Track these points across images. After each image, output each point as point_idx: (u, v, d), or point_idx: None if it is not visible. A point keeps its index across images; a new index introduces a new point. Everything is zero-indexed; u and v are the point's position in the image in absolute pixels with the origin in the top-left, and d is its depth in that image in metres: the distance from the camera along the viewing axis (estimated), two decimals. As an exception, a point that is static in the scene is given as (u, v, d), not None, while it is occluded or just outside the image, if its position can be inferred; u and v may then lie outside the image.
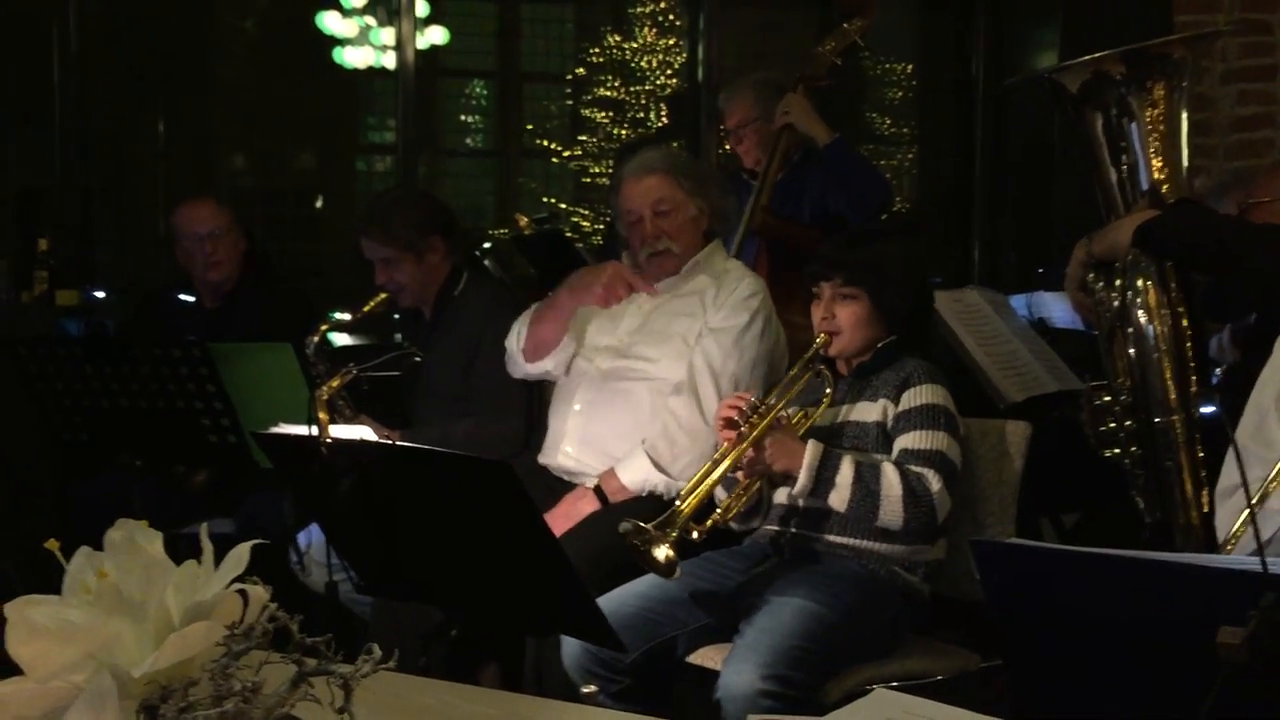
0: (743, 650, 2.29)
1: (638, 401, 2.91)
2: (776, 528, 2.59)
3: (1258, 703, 1.17)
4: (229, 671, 1.04)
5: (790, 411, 2.56)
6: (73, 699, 1.04)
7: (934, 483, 2.41)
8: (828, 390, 2.56)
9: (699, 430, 2.83)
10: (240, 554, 1.15)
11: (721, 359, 2.86)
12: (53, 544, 1.12)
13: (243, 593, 1.13)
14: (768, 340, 2.95)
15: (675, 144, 6.32)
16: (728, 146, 4.21)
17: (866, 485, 2.41)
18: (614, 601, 2.44)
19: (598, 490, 2.83)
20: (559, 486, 2.91)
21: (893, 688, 2.22)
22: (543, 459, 2.99)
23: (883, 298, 2.56)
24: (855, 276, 2.56)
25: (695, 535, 2.40)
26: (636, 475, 2.83)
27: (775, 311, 3.05)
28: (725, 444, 2.47)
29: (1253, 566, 1.18)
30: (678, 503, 2.40)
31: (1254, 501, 1.73)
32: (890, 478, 2.41)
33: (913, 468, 2.42)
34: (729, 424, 2.46)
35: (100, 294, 4.63)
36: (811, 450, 2.44)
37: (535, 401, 3.27)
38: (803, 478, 2.43)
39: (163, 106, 5.70)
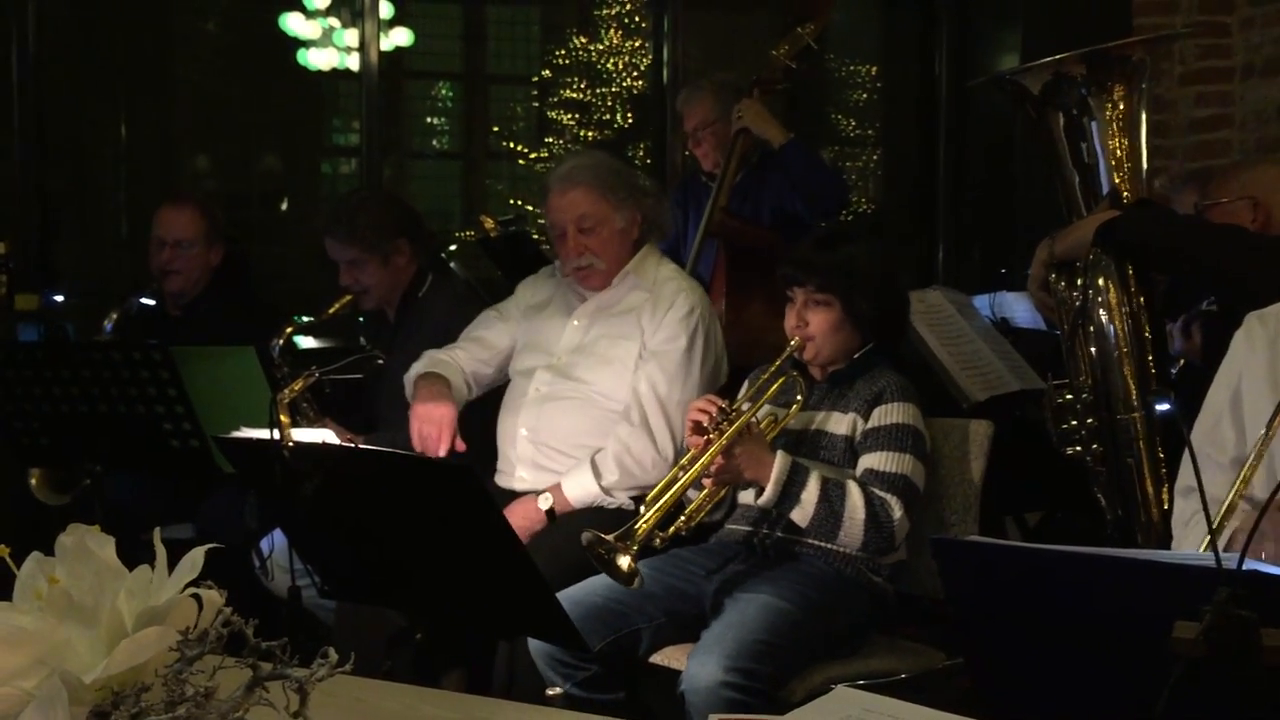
0: (708, 643, 2.29)
1: (580, 417, 2.88)
2: (748, 528, 2.59)
3: (1213, 696, 1.18)
4: (182, 677, 1.03)
5: (760, 415, 2.54)
6: (23, 705, 1.03)
7: (896, 510, 2.41)
8: (799, 396, 2.54)
9: (652, 462, 2.82)
10: (194, 558, 1.13)
11: (667, 386, 2.84)
12: (2, 550, 1.10)
13: (197, 597, 1.12)
14: (710, 356, 2.93)
15: (641, 146, 6.35)
16: (689, 150, 4.22)
17: (831, 505, 2.40)
18: (581, 592, 2.44)
19: (549, 513, 2.81)
20: (512, 498, 2.89)
21: (858, 686, 2.24)
22: (499, 481, 2.96)
23: (855, 304, 2.54)
24: (827, 283, 2.53)
25: (658, 542, 2.39)
26: (583, 494, 2.82)
27: (727, 312, 3.03)
28: (693, 449, 2.44)
29: (1207, 562, 1.19)
30: (642, 510, 2.38)
31: (1219, 516, 1.74)
32: (855, 500, 2.40)
33: (877, 491, 2.42)
34: (697, 429, 2.43)
35: (60, 298, 4.57)
36: (780, 463, 2.42)
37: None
38: (769, 491, 2.42)
39: (124, 108, 5.64)
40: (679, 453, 2.81)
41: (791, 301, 2.59)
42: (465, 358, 3.07)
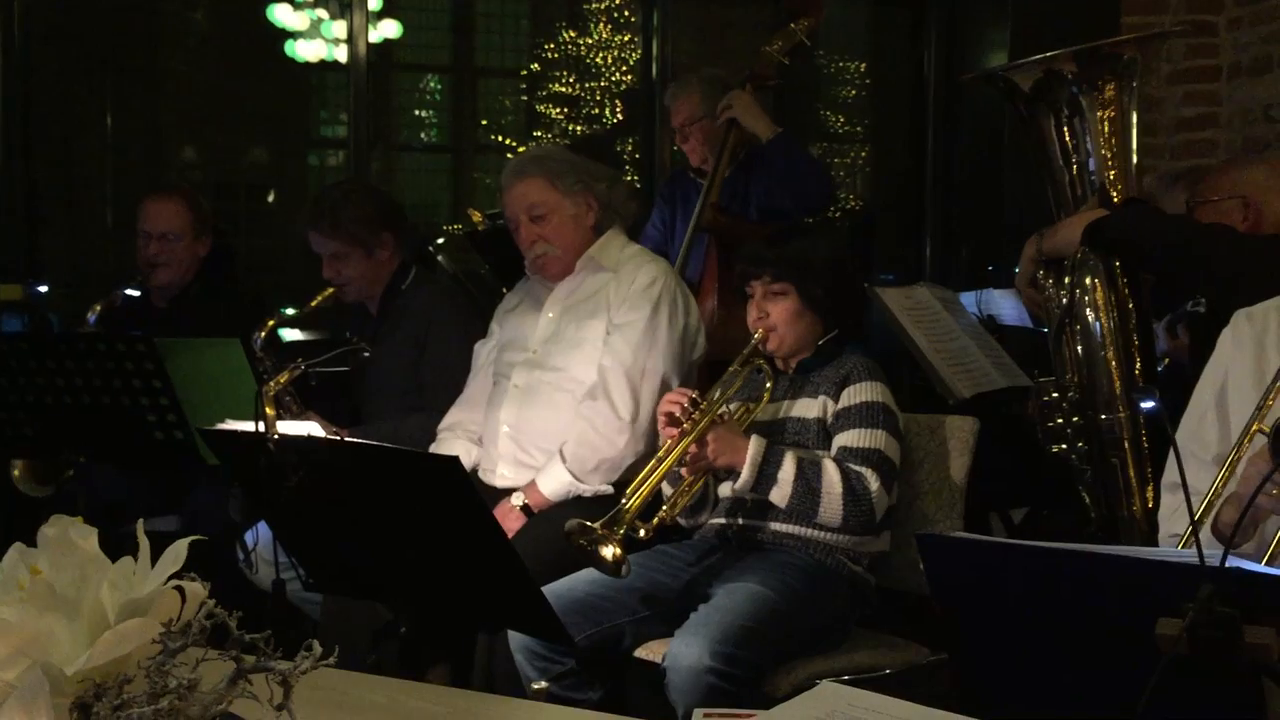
0: (694, 626, 2.30)
1: (560, 413, 2.87)
2: (723, 520, 2.60)
3: (1195, 692, 1.19)
4: (165, 669, 1.02)
5: (732, 407, 2.57)
6: (4, 697, 1.02)
7: (872, 482, 2.43)
8: (768, 385, 2.57)
9: (616, 432, 2.80)
10: (178, 550, 1.13)
11: (632, 355, 2.83)
12: (-17, 540, 1.10)
13: (181, 589, 1.11)
14: (678, 323, 2.91)
15: (630, 141, 6.34)
16: (677, 145, 4.22)
17: (808, 482, 2.42)
18: (564, 587, 2.44)
19: (525, 509, 2.80)
20: (494, 494, 2.88)
21: (842, 681, 2.24)
22: (481, 477, 2.95)
23: (810, 290, 2.58)
24: (781, 272, 2.58)
25: (642, 534, 2.40)
26: (557, 486, 2.81)
27: (719, 308, 3.02)
28: (668, 440, 2.47)
29: (1190, 559, 1.20)
30: (623, 501, 2.40)
31: (1199, 511, 1.75)
32: (831, 475, 2.42)
33: (852, 466, 2.44)
34: (671, 421, 2.46)
35: (44, 288, 4.55)
36: (754, 446, 2.45)
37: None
38: (745, 473, 2.44)
39: (110, 98, 5.62)
40: (645, 419, 2.81)
41: (751, 297, 2.62)
42: (480, 392, 3.05)
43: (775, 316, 2.59)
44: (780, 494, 2.45)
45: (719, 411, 2.49)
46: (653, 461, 2.48)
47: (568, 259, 2.97)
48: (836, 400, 2.53)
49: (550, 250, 2.95)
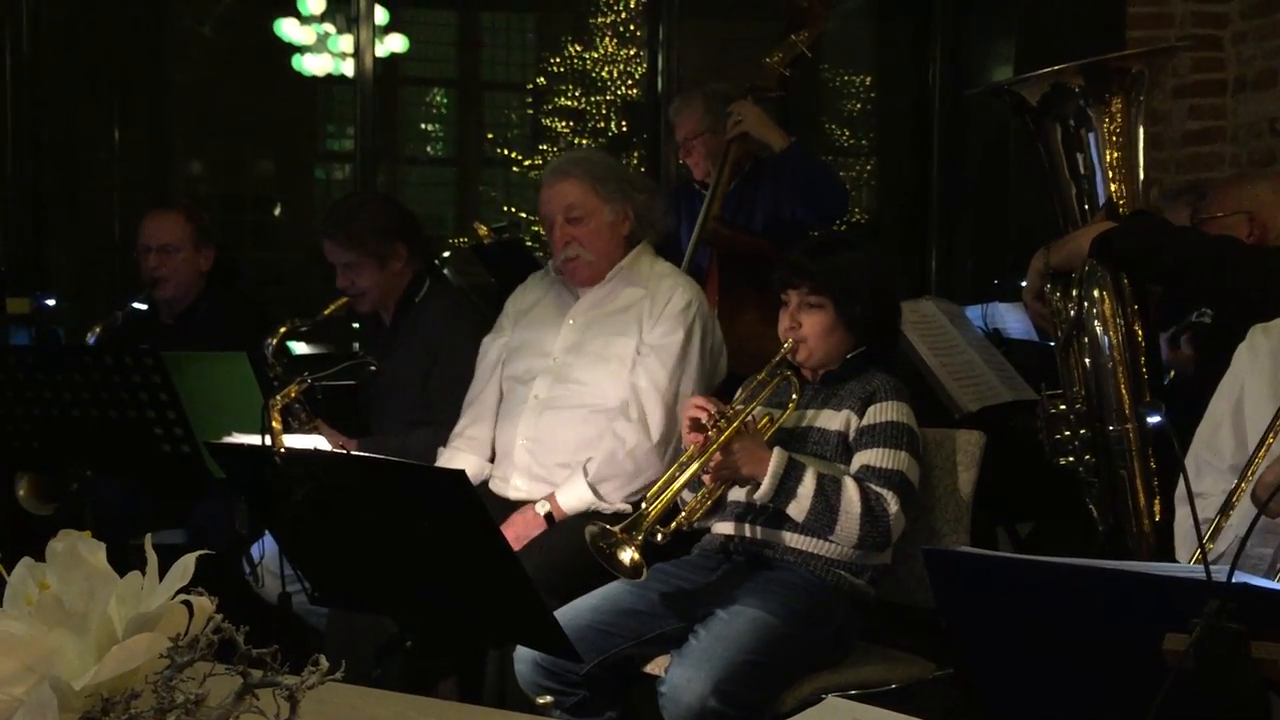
0: (695, 656, 2.29)
1: (581, 428, 2.87)
2: (731, 528, 2.59)
3: (1203, 708, 1.18)
4: (172, 684, 1.02)
5: (755, 414, 2.55)
6: (13, 712, 1.02)
7: (892, 505, 2.42)
8: (794, 396, 2.56)
9: (645, 454, 2.81)
10: (186, 565, 1.13)
11: (667, 379, 2.84)
12: (-8, 556, 1.10)
13: (188, 604, 1.11)
14: (709, 348, 2.93)
15: (635, 154, 6.35)
16: (680, 159, 4.22)
17: (827, 499, 2.41)
18: (566, 615, 2.43)
19: (548, 516, 2.80)
20: (507, 505, 2.88)
21: (848, 696, 2.24)
22: (494, 488, 2.95)
23: (847, 307, 2.56)
24: (820, 286, 2.55)
25: (660, 538, 2.39)
26: (577, 501, 2.81)
27: (720, 319, 3.03)
28: (691, 446, 2.46)
29: (1197, 574, 1.19)
30: (644, 505, 2.39)
31: (1216, 515, 1.76)
32: (851, 495, 2.41)
33: (873, 487, 2.43)
34: (696, 426, 2.45)
35: (51, 301, 4.56)
36: (777, 458, 2.44)
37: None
38: (766, 485, 2.43)
39: (118, 111, 5.63)
40: (674, 444, 2.81)
41: (785, 304, 2.61)
42: (490, 399, 3.04)
43: (807, 329, 2.56)
44: (798, 508, 2.43)
45: (744, 419, 2.47)
46: (674, 467, 2.47)
47: (598, 265, 2.96)
48: (861, 416, 2.51)
49: (582, 254, 2.94)
